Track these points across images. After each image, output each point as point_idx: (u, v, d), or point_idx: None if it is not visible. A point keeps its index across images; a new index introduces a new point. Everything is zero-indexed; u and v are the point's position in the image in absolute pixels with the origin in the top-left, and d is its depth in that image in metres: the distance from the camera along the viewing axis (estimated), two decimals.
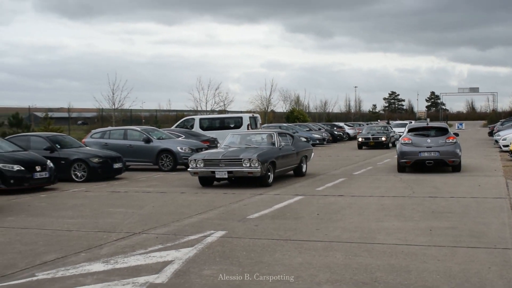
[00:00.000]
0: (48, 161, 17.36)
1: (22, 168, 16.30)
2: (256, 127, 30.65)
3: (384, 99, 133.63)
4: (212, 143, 26.14)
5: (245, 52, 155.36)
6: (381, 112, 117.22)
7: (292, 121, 59.33)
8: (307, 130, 44.67)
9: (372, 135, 37.21)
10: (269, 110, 69.50)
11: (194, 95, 56.73)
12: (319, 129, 48.46)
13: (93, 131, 25.95)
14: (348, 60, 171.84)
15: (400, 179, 17.56)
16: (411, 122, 44.90)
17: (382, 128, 40.02)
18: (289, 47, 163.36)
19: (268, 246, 8.52)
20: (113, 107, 45.50)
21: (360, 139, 37.23)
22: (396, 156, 20.32)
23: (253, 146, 17.62)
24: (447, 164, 19.54)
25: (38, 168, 16.66)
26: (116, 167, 19.74)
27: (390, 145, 37.06)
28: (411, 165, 19.75)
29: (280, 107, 76.82)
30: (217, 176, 16.13)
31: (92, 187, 17.32)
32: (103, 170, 19.28)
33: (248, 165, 15.61)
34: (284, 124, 45.19)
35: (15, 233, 10.15)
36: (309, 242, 8.77)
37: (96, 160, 19.24)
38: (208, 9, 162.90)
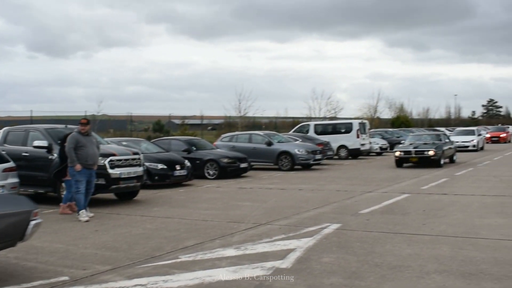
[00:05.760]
0: (186, 160, 17.97)
1: (165, 167, 16.95)
2: (365, 132, 30.20)
3: (483, 105, 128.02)
4: (326, 146, 26.10)
5: (350, 65, 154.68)
6: (480, 117, 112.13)
7: (397, 127, 57.84)
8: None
9: (415, 148, 23.09)
10: (375, 116, 68.27)
11: (309, 104, 57.32)
12: None
13: (223, 135, 26.56)
14: (445, 71, 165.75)
15: (500, 180, 16.71)
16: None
17: (433, 137, 25.32)
18: (389, 60, 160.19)
19: (379, 238, 8.39)
20: (239, 115, 46.40)
21: (397, 153, 23.11)
22: None
23: None
24: None
25: (177, 167, 17.25)
26: (243, 166, 20.14)
27: (442, 162, 22.82)
28: None
29: (386, 114, 75.24)
30: None
31: (222, 184, 17.72)
32: (231, 169, 19.73)
33: None
34: (390, 130, 44.28)
35: (160, 222, 10.56)
36: (417, 236, 8.54)
37: (226, 160, 19.72)
38: (315, 28, 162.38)
